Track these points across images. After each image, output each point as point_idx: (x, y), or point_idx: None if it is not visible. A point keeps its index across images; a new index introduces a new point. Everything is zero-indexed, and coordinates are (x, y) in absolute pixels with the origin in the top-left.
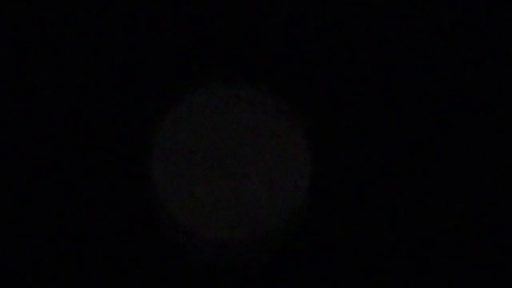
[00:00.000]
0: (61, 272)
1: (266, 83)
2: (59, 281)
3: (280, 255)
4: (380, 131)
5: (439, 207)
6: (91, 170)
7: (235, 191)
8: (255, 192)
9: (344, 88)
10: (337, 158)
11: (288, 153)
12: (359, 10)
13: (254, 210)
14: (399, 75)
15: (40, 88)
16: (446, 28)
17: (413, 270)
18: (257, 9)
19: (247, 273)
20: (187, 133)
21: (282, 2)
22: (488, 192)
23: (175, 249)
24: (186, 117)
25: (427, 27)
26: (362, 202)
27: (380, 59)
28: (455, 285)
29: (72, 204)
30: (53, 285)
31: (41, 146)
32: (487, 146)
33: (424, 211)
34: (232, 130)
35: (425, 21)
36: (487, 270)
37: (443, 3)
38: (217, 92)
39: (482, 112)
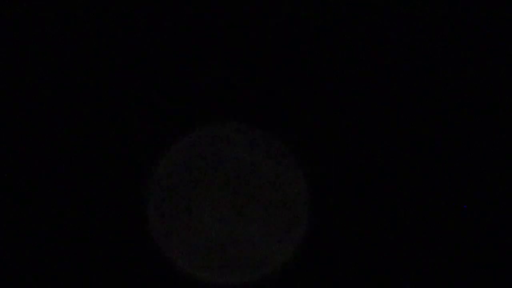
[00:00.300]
0: None
1: (266, 124)
2: None
3: None
4: (381, 172)
5: (442, 214)
6: (87, 216)
7: (232, 234)
8: (253, 236)
9: (343, 130)
10: (336, 201)
11: (287, 196)
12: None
13: (251, 254)
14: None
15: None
16: (446, 28)
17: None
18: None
19: None
20: (184, 174)
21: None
22: (488, 192)
23: None
24: (183, 157)
25: (427, 28)
26: (361, 251)
27: (381, 94)
28: (454, 285)
29: (67, 252)
30: None
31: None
32: (487, 146)
33: (427, 222)
34: (231, 171)
35: (425, 21)
36: (487, 270)
37: (443, 3)
38: (215, 131)
39: (482, 112)
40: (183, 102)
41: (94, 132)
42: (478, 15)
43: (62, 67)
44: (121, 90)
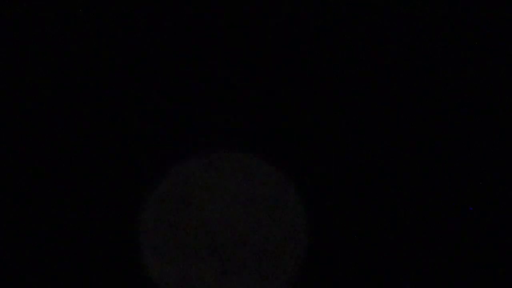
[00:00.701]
0: None
1: (263, 152)
2: None
3: None
4: (379, 193)
5: (442, 214)
6: (79, 250)
7: (228, 270)
8: (249, 273)
9: (340, 157)
10: (335, 232)
11: (286, 227)
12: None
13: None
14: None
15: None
16: (446, 28)
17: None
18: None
19: None
20: (178, 204)
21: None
22: (488, 192)
23: None
24: (177, 187)
25: (427, 28)
26: (364, 272)
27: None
28: (454, 285)
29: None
30: None
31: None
32: (487, 146)
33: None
34: (228, 202)
35: (425, 21)
36: (486, 270)
37: (443, 3)
38: (211, 161)
39: (482, 112)
40: (181, 128)
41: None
42: (478, 15)
43: (58, 67)
44: (116, 111)
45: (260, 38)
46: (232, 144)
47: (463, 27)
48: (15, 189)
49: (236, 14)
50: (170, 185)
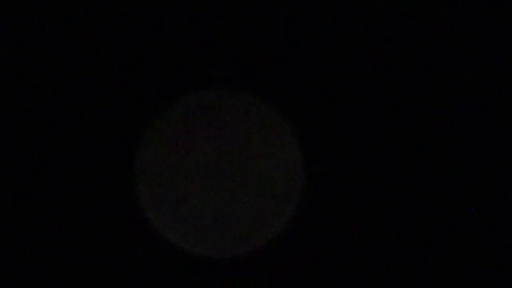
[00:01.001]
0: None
1: (256, 89)
2: None
3: (274, 271)
4: (377, 140)
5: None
6: (68, 185)
7: (224, 205)
8: (246, 206)
9: (338, 95)
10: (331, 168)
11: (281, 164)
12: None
13: (245, 226)
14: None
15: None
16: (446, 28)
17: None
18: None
19: None
20: (171, 142)
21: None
22: (487, 192)
23: (159, 268)
24: (170, 125)
25: (427, 27)
26: (356, 215)
27: (375, 71)
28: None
29: (45, 224)
30: None
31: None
32: (487, 146)
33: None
34: (221, 139)
35: (425, 21)
36: (486, 270)
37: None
38: (205, 98)
39: (482, 112)
40: (172, 67)
41: (79, 95)
42: (478, 15)
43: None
44: (108, 54)
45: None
46: (227, 84)
47: (463, 27)
48: None
49: None
50: (165, 124)
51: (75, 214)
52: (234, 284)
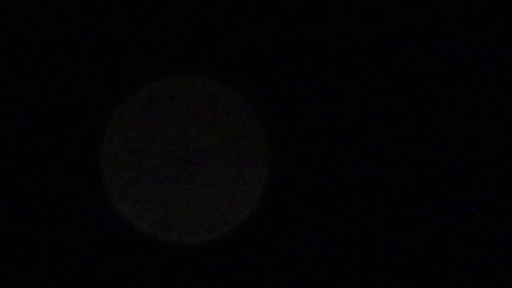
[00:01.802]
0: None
1: (224, 74)
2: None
3: (242, 257)
4: (345, 128)
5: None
6: (33, 172)
7: (190, 192)
8: (212, 193)
9: (307, 81)
10: (299, 155)
11: (247, 151)
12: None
13: (211, 212)
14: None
15: None
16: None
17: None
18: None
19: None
20: (137, 129)
21: None
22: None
23: (126, 256)
24: (135, 112)
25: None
26: (323, 201)
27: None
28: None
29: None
30: None
31: None
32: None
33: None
34: (187, 126)
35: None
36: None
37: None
38: (170, 84)
39: (482, 112)
40: (140, 52)
41: (43, 79)
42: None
43: None
44: (73, 40)
45: None
46: (196, 69)
47: (463, 26)
48: None
49: None
50: (131, 110)
51: (41, 203)
52: (201, 270)
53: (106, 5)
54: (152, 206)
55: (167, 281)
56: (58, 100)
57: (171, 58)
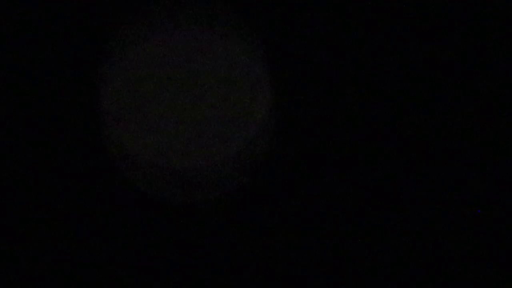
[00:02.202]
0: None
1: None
2: None
3: (245, 212)
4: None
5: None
6: (31, 128)
7: (189, 119)
8: (211, 120)
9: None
10: (302, 93)
11: (249, 83)
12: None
13: (210, 138)
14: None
15: None
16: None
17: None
18: None
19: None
20: (132, 57)
21: None
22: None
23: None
24: (130, 39)
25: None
26: (327, 171)
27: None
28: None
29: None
30: None
31: None
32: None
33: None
34: (184, 53)
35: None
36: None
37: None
38: (166, 9)
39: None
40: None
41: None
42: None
43: None
44: None
45: None
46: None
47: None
48: None
49: None
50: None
51: (40, 156)
52: (201, 227)
53: None
54: (152, 162)
55: (172, 239)
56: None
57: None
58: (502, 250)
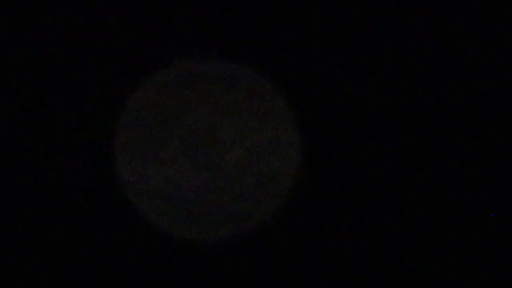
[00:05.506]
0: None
1: (248, 59)
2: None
3: (266, 248)
4: (371, 124)
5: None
6: (46, 162)
7: (211, 184)
8: (233, 183)
9: (333, 75)
10: (330, 147)
11: (271, 138)
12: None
13: (232, 204)
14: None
15: None
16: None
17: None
18: None
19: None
20: (155, 113)
21: None
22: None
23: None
24: (155, 93)
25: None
26: (355, 204)
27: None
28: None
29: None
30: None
31: None
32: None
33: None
34: (208, 110)
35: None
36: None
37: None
38: (191, 66)
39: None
40: (157, 32)
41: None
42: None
43: None
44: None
45: None
46: (217, 53)
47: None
48: None
49: None
50: (148, 92)
51: (53, 190)
52: (220, 267)
53: None
54: (170, 198)
55: (185, 279)
56: (73, 91)
57: (189, 42)
58: (503, 250)
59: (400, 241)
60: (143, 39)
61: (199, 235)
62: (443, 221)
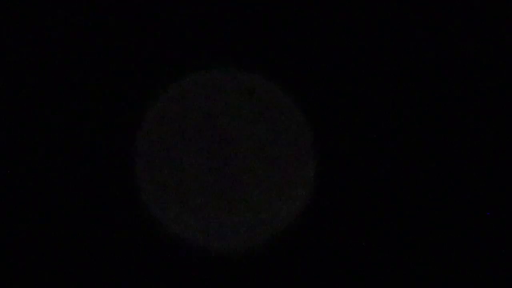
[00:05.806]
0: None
1: (267, 73)
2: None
3: (278, 265)
4: (386, 132)
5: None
6: (66, 175)
7: (230, 193)
8: (252, 198)
9: (349, 84)
10: (345, 157)
11: (290, 154)
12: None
13: (250, 218)
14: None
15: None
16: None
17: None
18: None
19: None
20: (175, 126)
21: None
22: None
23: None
24: (173, 107)
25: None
26: (366, 209)
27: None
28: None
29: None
30: None
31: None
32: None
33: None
34: (228, 124)
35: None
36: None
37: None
38: (212, 80)
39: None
40: (173, 45)
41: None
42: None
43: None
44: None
45: None
46: (234, 63)
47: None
48: None
49: None
50: (167, 104)
51: (74, 203)
52: (235, 277)
53: None
54: (190, 208)
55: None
56: (93, 98)
57: (206, 52)
58: (503, 250)
59: (417, 246)
60: (162, 50)
61: (215, 242)
62: (451, 222)
